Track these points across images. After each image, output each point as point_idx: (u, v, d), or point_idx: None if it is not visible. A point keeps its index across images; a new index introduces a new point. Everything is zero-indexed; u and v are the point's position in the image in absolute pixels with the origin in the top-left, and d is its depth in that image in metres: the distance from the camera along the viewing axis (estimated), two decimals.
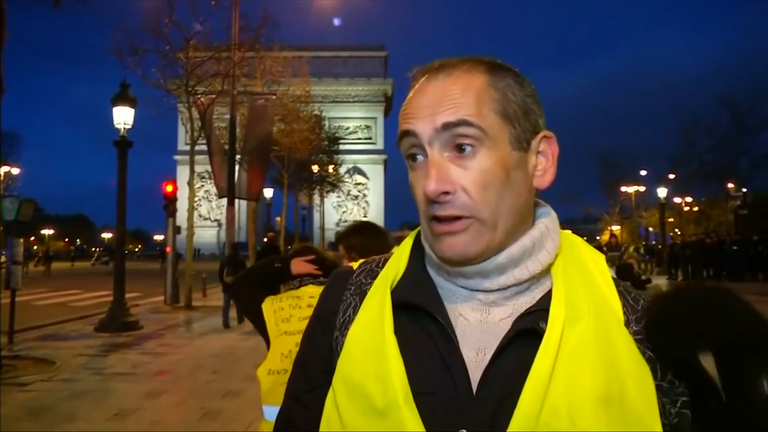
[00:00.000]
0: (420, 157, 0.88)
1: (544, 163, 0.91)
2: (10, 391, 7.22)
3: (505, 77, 0.89)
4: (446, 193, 0.84)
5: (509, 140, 0.87)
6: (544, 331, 0.84)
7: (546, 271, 0.91)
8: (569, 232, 0.98)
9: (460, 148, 0.85)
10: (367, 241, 2.81)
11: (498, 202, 0.85)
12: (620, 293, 0.91)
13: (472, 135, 0.84)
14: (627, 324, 0.87)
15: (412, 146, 0.89)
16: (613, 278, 0.93)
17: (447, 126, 0.84)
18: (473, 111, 0.84)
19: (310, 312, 2.21)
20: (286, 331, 2.30)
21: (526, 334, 0.85)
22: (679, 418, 0.83)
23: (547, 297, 0.88)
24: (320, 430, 0.92)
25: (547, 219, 0.94)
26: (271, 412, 2.28)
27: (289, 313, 2.34)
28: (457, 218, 0.85)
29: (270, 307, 2.39)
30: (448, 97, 0.85)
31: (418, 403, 0.82)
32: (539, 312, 0.86)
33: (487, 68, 0.89)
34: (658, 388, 0.83)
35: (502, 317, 0.88)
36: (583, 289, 0.88)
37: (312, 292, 2.41)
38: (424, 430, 0.81)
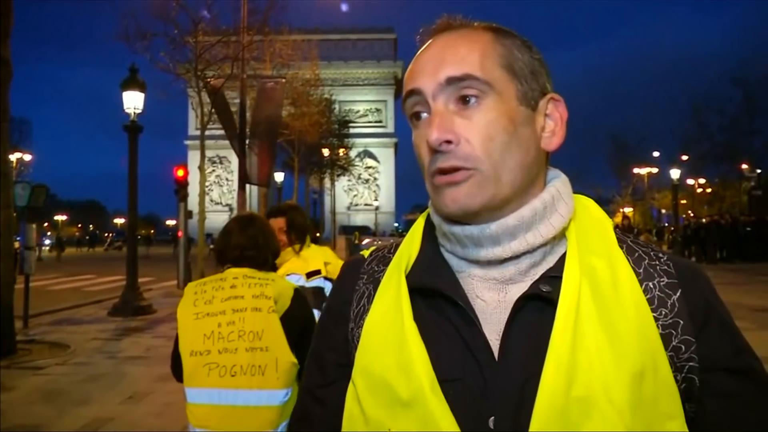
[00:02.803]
0: (424, 115, 0.86)
1: (552, 125, 0.88)
2: (26, 375, 7.31)
3: (511, 38, 0.87)
4: (449, 142, 0.81)
5: (516, 95, 0.84)
6: (548, 294, 0.81)
7: (560, 238, 0.87)
8: (581, 195, 0.94)
9: (464, 100, 0.82)
10: (304, 220, 3.24)
11: (503, 154, 0.82)
12: (634, 253, 0.88)
13: (477, 87, 0.82)
14: (644, 287, 0.83)
15: (416, 104, 0.86)
16: (620, 237, 0.90)
17: (451, 80, 0.82)
18: (477, 65, 0.82)
19: (231, 293, 2.28)
20: (208, 312, 2.31)
21: (536, 302, 0.82)
22: (686, 384, 0.81)
23: (560, 262, 0.85)
24: (343, 426, 0.89)
25: (559, 182, 0.90)
26: (194, 395, 2.27)
27: (212, 294, 2.35)
28: (458, 169, 0.82)
29: (192, 289, 2.41)
30: (452, 52, 0.84)
31: (444, 391, 0.79)
32: (548, 278, 0.83)
33: (493, 30, 0.87)
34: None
35: (519, 295, 0.83)
36: (599, 253, 0.85)
37: (235, 273, 2.42)
38: (453, 419, 0.77)
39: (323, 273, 3.56)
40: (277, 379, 2.25)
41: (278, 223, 3.18)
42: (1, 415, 5.66)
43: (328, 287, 3.33)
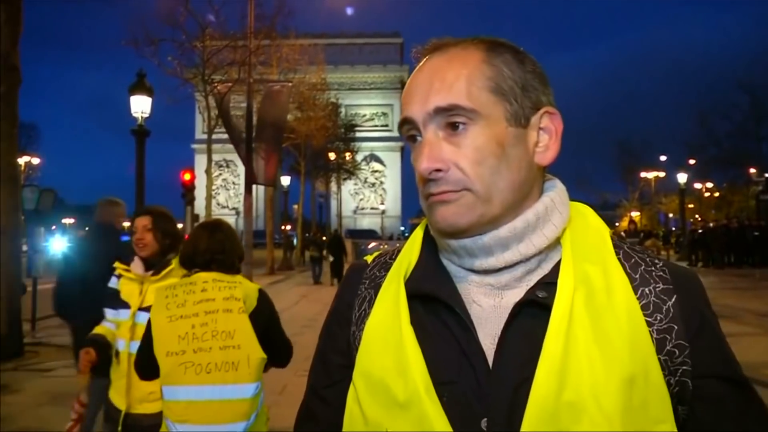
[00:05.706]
0: (419, 138, 0.89)
1: (546, 139, 0.90)
2: (33, 377, 7.35)
3: (502, 53, 0.89)
4: (438, 170, 0.84)
5: (505, 116, 0.86)
6: (544, 300, 0.83)
7: (555, 246, 0.89)
8: (579, 203, 0.96)
9: (453, 127, 0.84)
10: (172, 223, 3.19)
11: (493, 178, 0.84)
12: (630, 259, 0.90)
13: (464, 115, 0.84)
14: (639, 293, 0.85)
15: (410, 130, 0.89)
16: (617, 244, 0.91)
17: (438, 110, 0.85)
18: (464, 93, 0.84)
19: (203, 296, 2.38)
20: (182, 315, 2.42)
21: (531, 308, 0.84)
22: (679, 387, 0.83)
23: (555, 269, 0.86)
24: (344, 426, 0.92)
25: (554, 192, 0.91)
26: (172, 392, 2.39)
27: (184, 298, 2.46)
28: (450, 192, 0.84)
29: (162, 293, 2.50)
30: (440, 79, 0.86)
31: (440, 393, 0.82)
32: (543, 284, 0.85)
33: (485, 46, 0.89)
34: (659, 362, 0.82)
35: (515, 301, 0.85)
36: (593, 260, 0.86)
37: (205, 278, 2.53)
38: (446, 421, 0.80)
39: None
40: (249, 374, 2.41)
41: (143, 221, 3.07)
42: (8, 417, 5.69)
43: None
